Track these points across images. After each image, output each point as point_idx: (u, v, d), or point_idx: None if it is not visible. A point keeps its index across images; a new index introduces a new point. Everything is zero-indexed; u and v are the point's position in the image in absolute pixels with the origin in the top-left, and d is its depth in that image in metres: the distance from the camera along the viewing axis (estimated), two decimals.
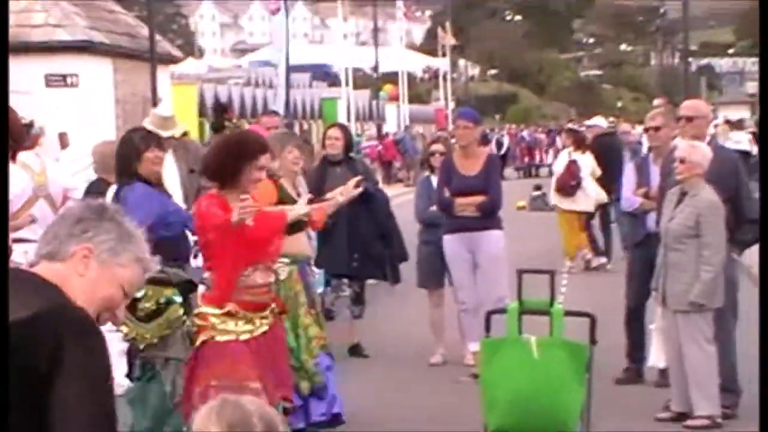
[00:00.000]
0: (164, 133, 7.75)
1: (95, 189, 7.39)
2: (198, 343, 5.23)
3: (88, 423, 2.32)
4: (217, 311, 5.21)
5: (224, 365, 5.14)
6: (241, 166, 5.22)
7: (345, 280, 9.25)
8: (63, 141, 14.34)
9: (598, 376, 5.98)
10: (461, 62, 71.82)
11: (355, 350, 9.12)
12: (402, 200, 25.17)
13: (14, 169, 7.16)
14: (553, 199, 14.52)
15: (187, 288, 5.79)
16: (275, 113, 10.59)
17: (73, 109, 18.57)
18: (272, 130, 9.21)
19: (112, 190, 7.58)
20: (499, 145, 36.22)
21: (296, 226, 6.21)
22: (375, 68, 39.86)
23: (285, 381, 5.41)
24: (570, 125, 16.65)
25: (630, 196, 8.04)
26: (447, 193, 8.20)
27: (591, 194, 13.98)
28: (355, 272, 8.98)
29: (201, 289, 5.89)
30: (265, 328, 5.29)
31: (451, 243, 8.17)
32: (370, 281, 9.51)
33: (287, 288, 6.24)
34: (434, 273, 8.69)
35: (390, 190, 17.39)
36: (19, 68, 18.68)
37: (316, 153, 14.71)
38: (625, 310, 7.98)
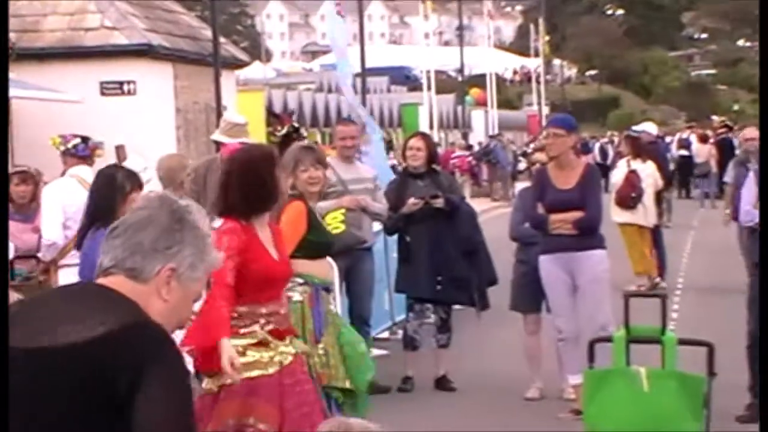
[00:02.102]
0: (232, 140, 7.82)
1: None
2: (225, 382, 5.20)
3: None
4: (248, 341, 5.25)
5: (250, 402, 5.19)
6: (268, 179, 5.29)
7: (429, 305, 9.25)
8: (120, 154, 14.57)
9: (717, 413, 5.88)
10: (556, 63, 71.45)
11: (442, 383, 9.10)
12: (489, 216, 25.09)
13: (70, 183, 7.30)
14: (612, 213, 14.38)
15: None
16: (352, 121, 10.61)
17: (130, 120, 18.87)
18: (348, 140, 9.27)
19: None
20: (604, 153, 35.91)
21: (320, 249, 6.23)
22: (460, 70, 39.89)
23: (316, 410, 5.41)
24: (628, 131, 16.50)
25: (750, 209, 7.91)
26: (540, 209, 8.14)
27: (651, 208, 13.95)
28: (439, 296, 8.97)
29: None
30: (291, 358, 5.36)
31: (547, 264, 8.11)
32: (457, 306, 9.49)
33: (297, 311, 6.19)
34: (530, 296, 8.64)
35: (476, 205, 17.34)
36: (72, 75, 19.09)
37: (397, 164, 14.71)
38: (747, 337, 7.84)
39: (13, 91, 18.61)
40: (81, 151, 9.11)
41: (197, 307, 6.27)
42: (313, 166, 6.58)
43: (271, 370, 5.27)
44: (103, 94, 19.48)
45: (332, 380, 6.14)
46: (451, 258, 8.90)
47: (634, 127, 17.88)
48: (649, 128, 16.83)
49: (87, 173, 8.80)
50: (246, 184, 5.32)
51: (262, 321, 5.31)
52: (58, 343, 2.44)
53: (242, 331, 5.27)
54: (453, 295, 9.01)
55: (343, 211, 8.83)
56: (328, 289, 6.46)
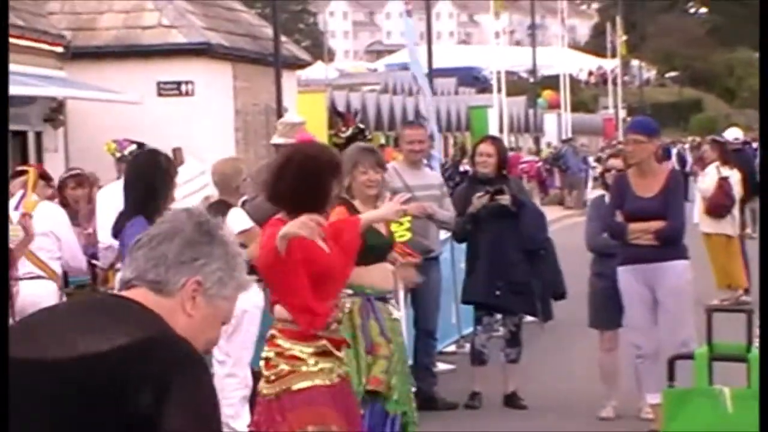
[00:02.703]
0: (292, 141, 7.85)
1: (215, 212, 7.54)
2: (288, 387, 5.23)
3: None
4: (309, 349, 5.24)
5: (322, 410, 5.21)
6: (324, 184, 5.27)
7: (498, 318, 9.20)
8: (177, 157, 14.69)
9: None
10: (634, 63, 70.98)
11: (511, 400, 9.06)
12: (560, 225, 24.95)
13: (119, 189, 7.36)
14: (701, 222, 14.21)
15: None
16: (420, 124, 10.58)
17: (187, 121, 19.04)
18: (416, 144, 9.25)
19: (235, 212, 7.73)
20: (682, 160, 35.58)
21: (375, 254, 6.20)
22: (532, 71, 39.76)
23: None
24: (713, 136, 16.33)
25: None
26: (620, 218, 8.06)
27: (738, 217, 13.78)
28: (496, 303, 8.91)
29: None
30: (347, 368, 5.37)
31: (626, 276, 8.03)
32: (528, 318, 9.42)
33: (346, 322, 6.14)
34: (608, 311, 8.54)
35: (547, 213, 17.24)
36: (128, 75, 19.31)
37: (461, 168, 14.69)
38: None
39: (67, 91, 18.87)
40: None
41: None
42: (372, 169, 6.58)
43: (335, 380, 5.28)
44: (160, 94, 19.67)
45: (384, 387, 6.14)
46: (512, 262, 8.83)
47: (724, 133, 17.72)
48: (736, 134, 16.65)
49: None
50: (301, 179, 5.29)
51: (332, 324, 5.30)
52: (77, 353, 2.42)
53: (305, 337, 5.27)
54: (512, 302, 8.93)
55: (408, 218, 8.81)
56: (385, 299, 6.44)
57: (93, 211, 8.54)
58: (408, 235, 8.78)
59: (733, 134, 16.72)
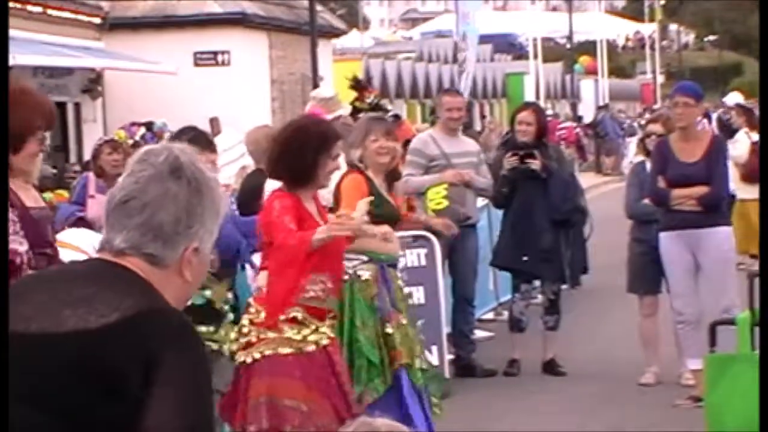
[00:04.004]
0: (329, 116, 7.83)
1: (253, 182, 7.53)
2: (257, 355, 5.37)
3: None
4: (280, 317, 5.36)
5: (281, 381, 5.32)
6: (316, 158, 5.41)
7: (536, 285, 9.18)
8: (214, 127, 14.73)
9: None
10: (672, 28, 70.30)
11: (550, 367, 9.03)
12: (598, 192, 24.84)
13: None
14: (738, 189, 14.02)
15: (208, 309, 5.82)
16: (459, 92, 10.53)
17: (224, 91, 19.07)
18: (455, 112, 9.20)
19: (271, 183, 7.72)
20: (723, 125, 35.24)
21: (386, 224, 6.23)
22: (569, 37, 39.43)
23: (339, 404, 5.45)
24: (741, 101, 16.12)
25: None
26: (662, 183, 8.00)
27: None
28: (523, 267, 8.89)
29: (252, 289, 6.04)
30: (328, 340, 5.43)
31: (667, 242, 7.97)
32: (564, 286, 9.39)
33: (363, 291, 6.15)
34: (647, 276, 8.50)
35: (584, 180, 17.17)
36: (165, 45, 19.34)
37: (498, 136, 14.62)
38: None
39: (105, 62, 18.92)
40: (149, 140, 9.31)
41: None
42: (384, 136, 6.61)
43: (309, 349, 5.36)
44: (196, 64, 19.71)
45: (407, 358, 6.13)
46: (540, 229, 8.80)
47: (725, 99, 17.51)
48: (736, 98, 16.44)
49: None
50: (288, 155, 5.48)
51: (311, 293, 5.38)
52: (64, 329, 2.37)
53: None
54: (540, 268, 8.90)
55: (446, 186, 8.78)
56: (394, 266, 6.47)
57: None
58: (445, 203, 8.76)
59: (733, 99, 16.54)
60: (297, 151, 5.44)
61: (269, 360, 5.35)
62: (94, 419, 2.33)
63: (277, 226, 5.40)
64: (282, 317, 5.37)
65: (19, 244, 4.41)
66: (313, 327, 5.41)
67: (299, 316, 5.37)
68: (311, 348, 5.38)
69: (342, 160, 6.19)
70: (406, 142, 9.05)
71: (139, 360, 2.34)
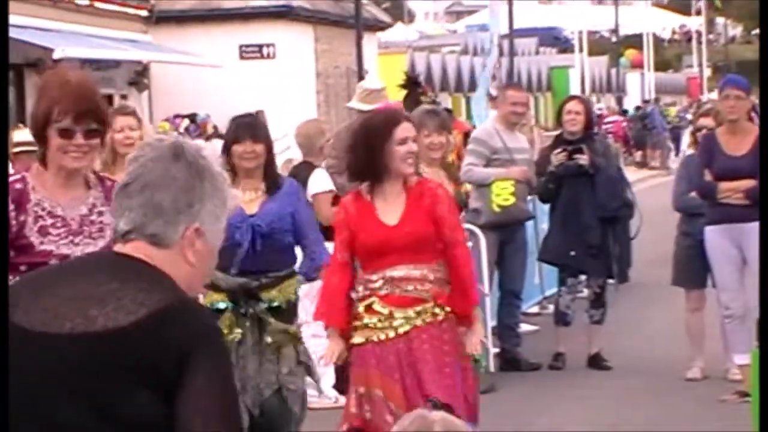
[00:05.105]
0: (369, 107, 7.85)
1: (300, 174, 7.56)
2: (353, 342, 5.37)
3: (221, 424, 2.38)
4: (360, 306, 5.33)
5: (358, 371, 5.32)
6: (377, 148, 5.24)
7: (582, 279, 9.16)
8: None
9: None
10: (719, 21, 69.73)
11: (595, 361, 9.01)
12: (645, 186, 24.72)
13: None
14: None
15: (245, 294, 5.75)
16: (521, 86, 10.49)
17: (269, 84, 19.11)
18: (519, 107, 9.19)
19: (317, 173, 7.75)
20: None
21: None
22: (614, 30, 39.26)
23: (436, 381, 5.29)
24: None
25: None
26: (709, 177, 7.95)
27: None
28: (570, 262, 8.86)
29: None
30: (407, 327, 5.30)
31: (714, 236, 7.93)
32: (611, 280, 9.35)
33: None
34: (694, 271, 8.45)
35: (631, 174, 17.06)
36: (210, 39, 19.42)
37: (545, 130, 14.56)
38: None
39: (151, 55, 19.03)
40: (193, 132, 9.36)
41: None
42: (436, 132, 6.58)
43: (383, 337, 5.31)
44: (242, 57, 19.76)
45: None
46: (587, 224, 8.77)
47: None
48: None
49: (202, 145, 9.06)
50: (355, 153, 5.40)
51: (373, 286, 5.34)
52: (96, 328, 2.37)
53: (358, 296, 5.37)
54: (587, 263, 8.88)
55: (512, 182, 8.76)
56: None
57: None
58: (512, 200, 8.75)
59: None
60: (363, 146, 5.33)
61: (356, 349, 5.35)
62: (131, 414, 2.35)
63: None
64: (361, 308, 5.35)
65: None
66: (382, 314, 5.34)
67: (373, 303, 5.34)
68: (389, 335, 5.31)
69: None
70: (466, 135, 9.07)
71: (171, 354, 2.36)
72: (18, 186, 4.06)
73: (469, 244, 8.59)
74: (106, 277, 2.43)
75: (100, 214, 4.02)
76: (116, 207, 2.51)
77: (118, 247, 2.51)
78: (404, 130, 5.29)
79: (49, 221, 4.02)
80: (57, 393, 2.36)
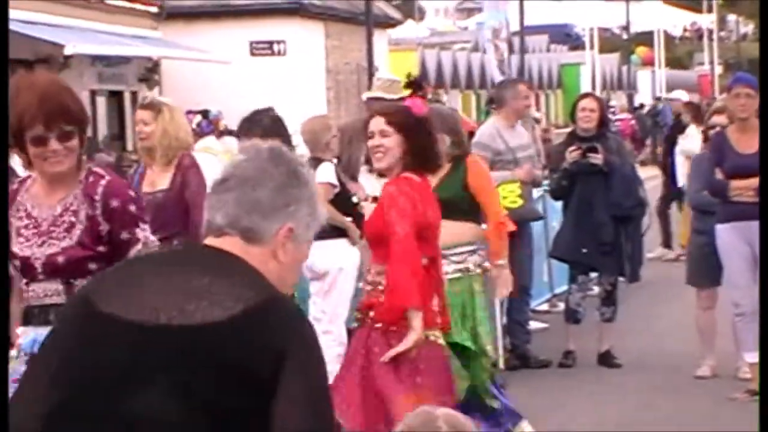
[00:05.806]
0: (393, 96, 7.85)
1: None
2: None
3: (317, 419, 2.39)
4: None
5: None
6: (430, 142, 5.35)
7: (593, 276, 9.14)
8: None
9: None
10: (731, 18, 69.57)
11: (606, 358, 8.99)
12: (655, 184, 24.72)
13: (201, 156, 7.44)
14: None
15: None
16: (527, 82, 10.43)
17: (279, 80, 19.12)
18: (528, 101, 9.17)
19: (323, 166, 7.75)
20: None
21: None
22: (626, 27, 39.19)
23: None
24: None
25: None
26: (720, 175, 7.93)
27: None
28: (582, 259, 8.84)
29: None
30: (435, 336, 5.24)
31: (725, 233, 7.91)
32: (621, 278, 9.33)
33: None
34: (707, 269, 8.40)
35: (641, 172, 17.06)
36: (221, 35, 19.42)
37: (555, 126, 14.51)
38: None
39: (162, 51, 19.05)
40: (206, 128, 9.40)
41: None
42: (448, 134, 6.58)
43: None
44: (252, 54, 19.78)
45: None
46: (600, 222, 8.74)
47: (671, 94, 17.29)
48: (680, 95, 16.29)
49: (214, 143, 9.15)
50: (423, 139, 5.39)
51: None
52: (195, 322, 2.37)
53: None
54: (599, 261, 8.86)
55: (519, 184, 8.72)
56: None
57: None
58: (520, 201, 8.72)
59: (679, 95, 16.53)
60: (426, 138, 5.38)
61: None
62: (226, 408, 2.35)
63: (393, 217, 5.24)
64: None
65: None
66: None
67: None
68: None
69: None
70: (471, 134, 9.04)
71: (267, 351, 2.37)
72: (14, 186, 4.06)
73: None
74: (199, 271, 2.44)
75: (74, 213, 3.93)
76: (213, 203, 2.52)
77: (210, 240, 2.51)
78: (371, 124, 5.33)
79: (24, 222, 3.99)
80: (150, 383, 2.36)
